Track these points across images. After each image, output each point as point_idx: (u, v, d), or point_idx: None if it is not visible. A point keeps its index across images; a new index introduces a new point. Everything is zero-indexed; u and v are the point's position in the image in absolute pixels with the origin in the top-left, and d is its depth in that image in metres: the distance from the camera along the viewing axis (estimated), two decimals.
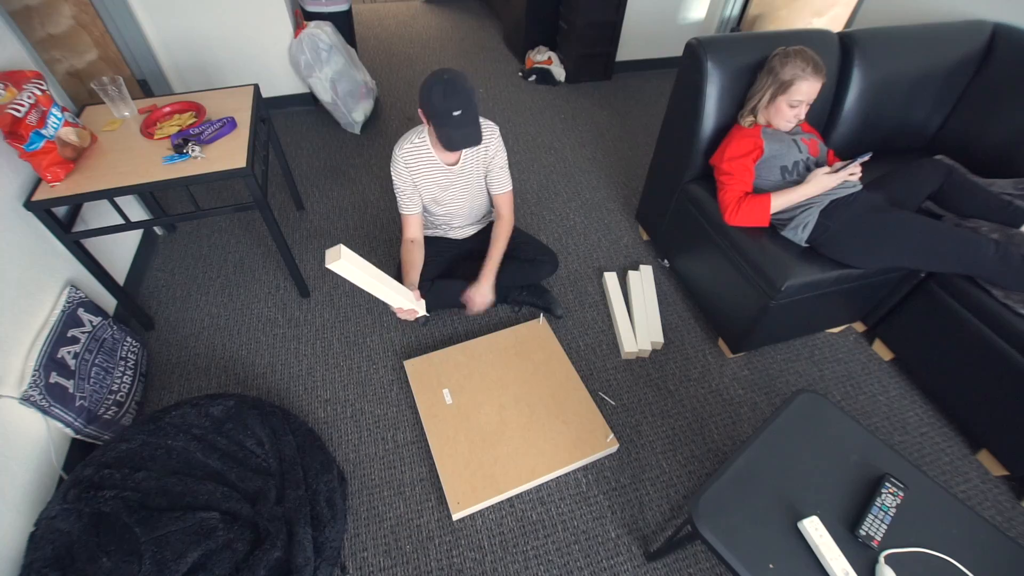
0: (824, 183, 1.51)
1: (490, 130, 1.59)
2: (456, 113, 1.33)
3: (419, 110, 1.41)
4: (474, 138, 1.40)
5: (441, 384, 1.64)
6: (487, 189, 1.71)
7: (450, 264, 1.82)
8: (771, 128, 1.60)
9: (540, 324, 1.83)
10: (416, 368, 1.68)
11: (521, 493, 1.46)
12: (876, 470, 1.05)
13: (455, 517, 1.39)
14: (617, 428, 1.62)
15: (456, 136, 1.38)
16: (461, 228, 1.82)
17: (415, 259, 1.61)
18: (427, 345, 1.81)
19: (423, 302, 1.54)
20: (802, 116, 1.56)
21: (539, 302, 1.91)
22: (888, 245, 1.47)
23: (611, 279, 2.01)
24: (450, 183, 1.62)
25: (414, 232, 1.65)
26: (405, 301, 1.44)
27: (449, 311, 1.91)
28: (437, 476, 1.48)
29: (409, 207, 1.62)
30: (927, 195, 1.66)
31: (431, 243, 1.78)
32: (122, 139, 1.59)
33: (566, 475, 1.50)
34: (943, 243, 1.44)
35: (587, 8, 3.00)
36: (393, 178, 1.58)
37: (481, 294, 1.66)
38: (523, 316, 1.93)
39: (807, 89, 1.49)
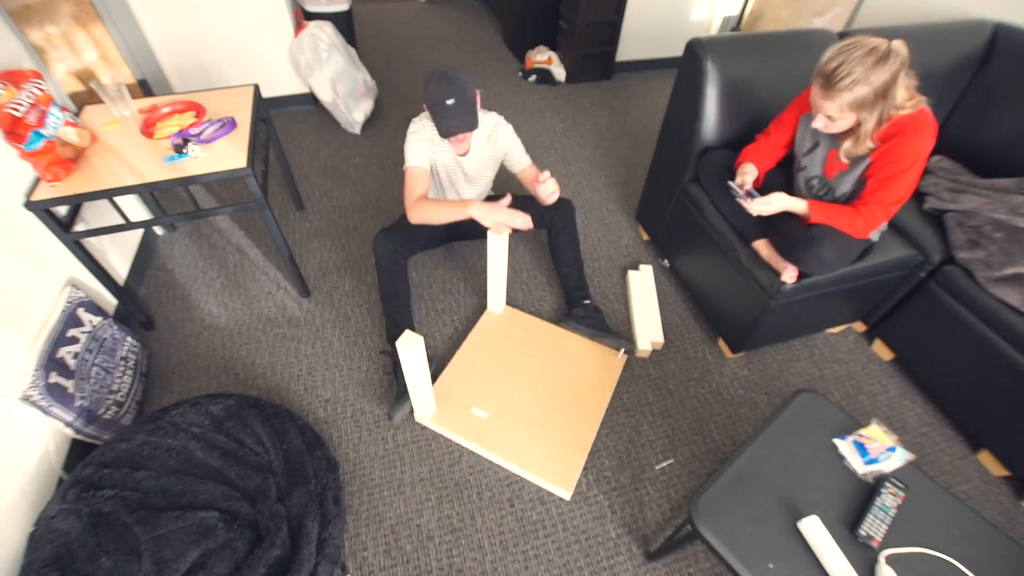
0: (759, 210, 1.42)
1: (496, 125, 1.67)
2: (449, 102, 1.41)
3: (424, 104, 1.49)
4: (467, 125, 1.46)
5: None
6: (510, 168, 1.76)
7: (436, 239, 1.87)
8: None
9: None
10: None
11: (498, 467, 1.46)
12: (877, 470, 1.05)
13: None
14: (617, 428, 1.62)
15: (451, 124, 1.45)
16: None
17: (434, 200, 1.58)
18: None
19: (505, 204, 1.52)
20: (821, 126, 1.32)
21: (600, 330, 1.81)
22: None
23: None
24: (459, 171, 1.69)
25: (424, 186, 1.58)
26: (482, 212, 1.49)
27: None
28: (438, 475, 1.48)
29: (420, 160, 1.57)
30: None
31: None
32: (122, 139, 1.58)
33: (518, 478, 1.50)
34: None
35: (587, 8, 2.99)
36: (410, 136, 1.57)
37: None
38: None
39: (815, 101, 1.29)
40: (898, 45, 1.18)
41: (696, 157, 1.76)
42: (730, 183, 1.48)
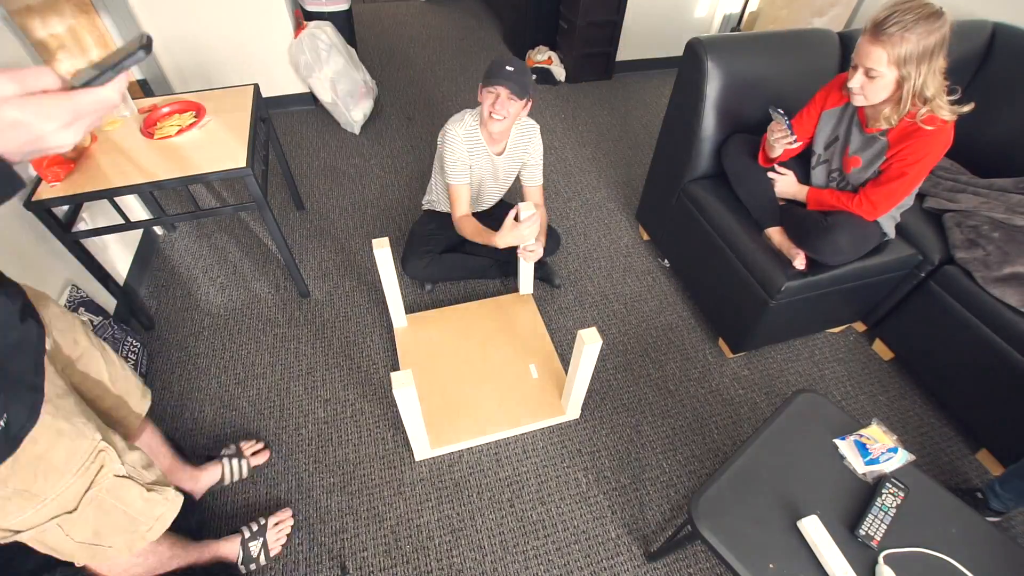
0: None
1: (534, 129, 1.74)
2: (509, 68, 1.49)
3: (480, 89, 1.56)
4: (517, 89, 1.49)
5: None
6: (519, 181, 1.85)
7: (457, 240, 1.91)
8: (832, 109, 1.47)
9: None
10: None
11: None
12: (877, 470, 1.05)
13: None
14: (617, 428, 1.62)
15: (502, 82, 1.48)
16: (476, 208, 1.92)
17: (479, 225, 1.69)
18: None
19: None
20: (857, 86, 1.30)
21: (538, 273, 1.99)
22: None
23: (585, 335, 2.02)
24: (491, 170, 1.75)
25: (467, 206, 1.74)
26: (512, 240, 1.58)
27: (453, 284, 2.04)
28: (438, 475, 1.49)
29: (461, 177, 1.68)
30: None
31: (442, 217, 1.90)
32: (122, 139, 1.58)
33: (529, 437, 1.59)
34: None
35: (587, 8, 3.00)
36: (446, 150, 1.63)
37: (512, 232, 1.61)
38: (513, 286, 2.03)
39: (861, 49, 1.26)
40: (947, 13, 1.21)
41: (700, 158, 1.76)
42: (771, 109, 1.44)
